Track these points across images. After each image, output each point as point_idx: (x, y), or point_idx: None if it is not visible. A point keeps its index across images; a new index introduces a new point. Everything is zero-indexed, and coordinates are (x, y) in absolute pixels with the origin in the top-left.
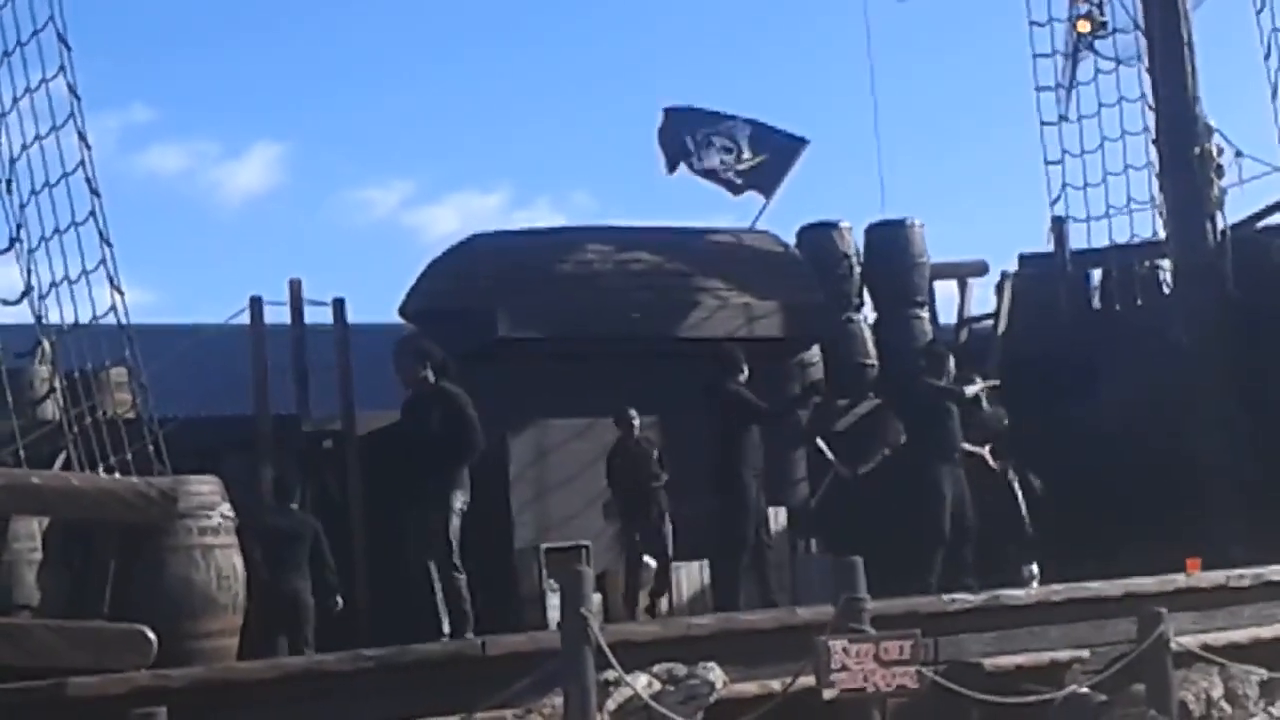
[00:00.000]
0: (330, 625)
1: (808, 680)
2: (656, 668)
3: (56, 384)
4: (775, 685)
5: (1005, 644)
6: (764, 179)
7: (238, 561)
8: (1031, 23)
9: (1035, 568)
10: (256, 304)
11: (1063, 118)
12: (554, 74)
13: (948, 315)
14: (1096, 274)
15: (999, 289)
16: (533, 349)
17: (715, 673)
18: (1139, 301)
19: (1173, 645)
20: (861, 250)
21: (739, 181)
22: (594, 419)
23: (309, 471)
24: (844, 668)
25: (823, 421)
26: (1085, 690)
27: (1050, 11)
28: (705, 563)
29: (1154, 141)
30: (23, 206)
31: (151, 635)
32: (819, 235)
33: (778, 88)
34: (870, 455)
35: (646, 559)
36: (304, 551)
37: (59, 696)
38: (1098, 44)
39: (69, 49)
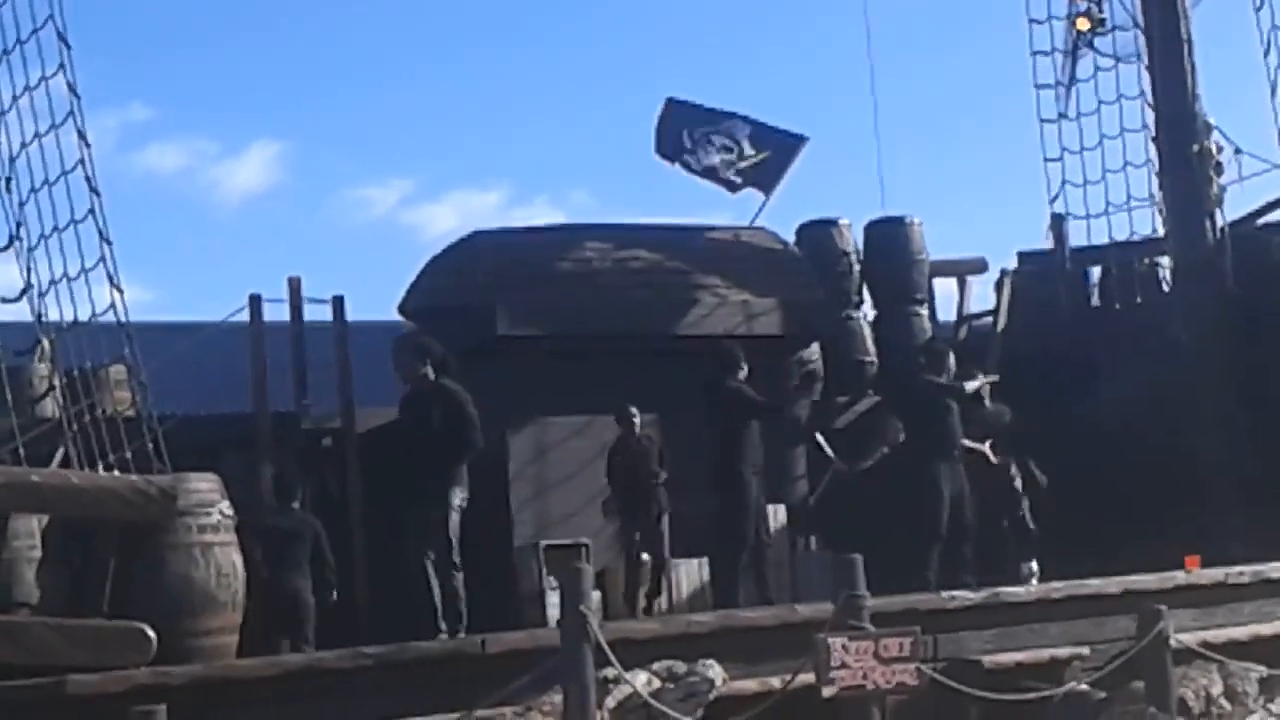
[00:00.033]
0: (330, 623)
1: (807, 677)
2: (656, 665)
3: (56, 382)
4: (775, 682)
5: (1005, 641)
6: (764, 176)
7: (237, 559)
8: (1031, 20)
9: (1035, 565)
10: (256, 302)
11: (1062, 115)
12: (553, 73)
13: (947, 313)
14: (1096, 271)
15: (998, 286)
16: (532, 346)
17: (715, 670)
18: (1138, 299)
19: (1172, 642)
20: (861, 248)
21: (738, 180)
22: (593, 416)
23: (308, 469)
24: (843, 665)
25: (822, 419)
26: (1085, 687)
27: (1049, 9)
28: (705, 560)
29: (1153, 139)
30: (22, 204)
31: (151, 633)
32: (818, 233)
33: (778, 87)
34: (870, 452)
35: (645, 557)
36: (304, 551)
37: (59, 694)
38: (1097, 41)
39: (69, 47)
